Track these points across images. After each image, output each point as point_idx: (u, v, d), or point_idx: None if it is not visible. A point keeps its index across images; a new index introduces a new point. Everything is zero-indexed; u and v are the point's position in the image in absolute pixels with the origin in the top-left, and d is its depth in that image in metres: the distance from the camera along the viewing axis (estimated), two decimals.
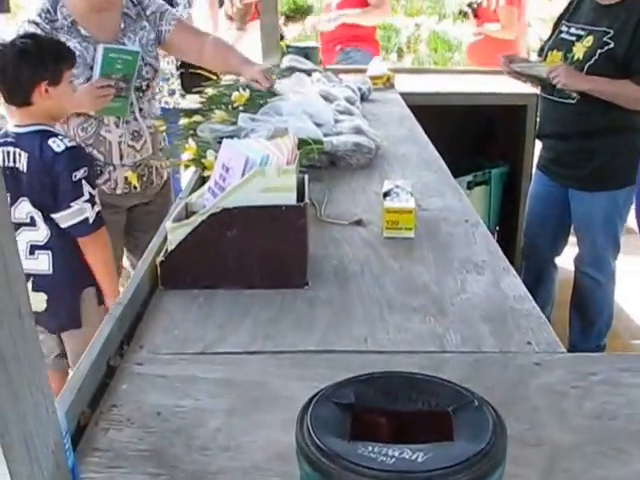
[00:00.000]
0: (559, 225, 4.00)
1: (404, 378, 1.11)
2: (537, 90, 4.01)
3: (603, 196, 3.63)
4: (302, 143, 2.79)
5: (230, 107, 3.23)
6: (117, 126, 3.36)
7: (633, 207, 3.13)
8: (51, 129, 2.87)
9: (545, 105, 3.84)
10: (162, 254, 2.02)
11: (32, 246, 2.86)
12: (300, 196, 2.02)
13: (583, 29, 3.56)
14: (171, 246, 1.99)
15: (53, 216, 2.83)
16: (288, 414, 1.32)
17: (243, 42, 5.24)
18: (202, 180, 2.69)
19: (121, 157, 3.39)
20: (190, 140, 2.79)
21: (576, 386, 1.58)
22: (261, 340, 1.78)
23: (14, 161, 2.82)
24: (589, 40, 3.49)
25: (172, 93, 5.17)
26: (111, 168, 3.39)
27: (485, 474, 0.94)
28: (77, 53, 3.17)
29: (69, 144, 2.81)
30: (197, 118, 3.16)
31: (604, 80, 3.44)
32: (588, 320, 4.02)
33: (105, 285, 2.96)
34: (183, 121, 3.20)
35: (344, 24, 5.79)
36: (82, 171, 2.79)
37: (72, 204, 2.79)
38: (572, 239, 4.06)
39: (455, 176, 4.60)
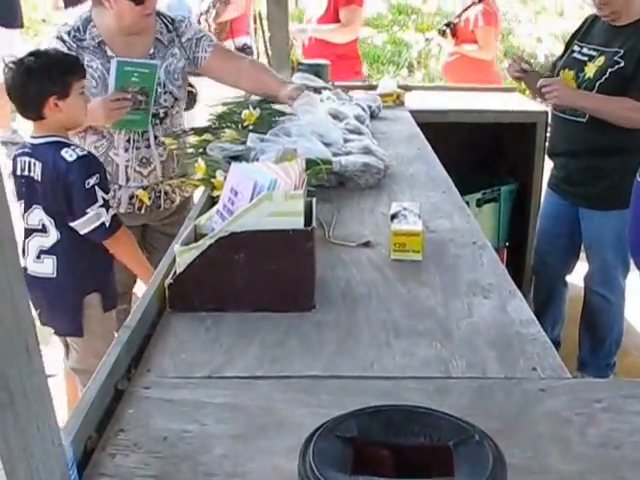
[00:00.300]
0: (570, 243, 4.01)
1: (406, 411, 1.12)
2: (545, 106, 4.03)
3: (613, 215, 3.64)
4: (311, 163, 2.80)
5: (240, 126, 3.24)
6: (126, 150, 3.38)
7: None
8: (64, 140, 2.95)
9: (556, 123, 3.86)
10: (170, 276, 2.03)
11: (40, 251, 2.97)
12: (308, 220, 2.04)
13: (596, 50, 3.59)
14: (179, 269, 2.00)
15: (71, 224, 2.92)
16: (294, 441, 1.33)
17: None
18: (211, 200, 2.70)
19: (127, 180, 3.42)
20: (199, 159, 2.80)
21: (580, 413, 1.59)
22: (268, 364, 1.79)
23: (29, 170, 2.94)
24: (600, 60, 3.52)
25: None
26: (116, 187, 3.42)
27: None
28: (98, 74, 3.25)
29: (81, 153, 2.89)
30: (207, 136, 3.18)
31: (598, 97, 3.48)
32: (598, 338, 4.02)
33: (140, 274, 3.20)
34: (193, 139, 3.23)
35: (322, 40, 5.84)
36: (95, 178, 2.87)
37: (88, 210, 2.87)
38: (583, 256, 4.06)
39: (464, 193, 4.62)
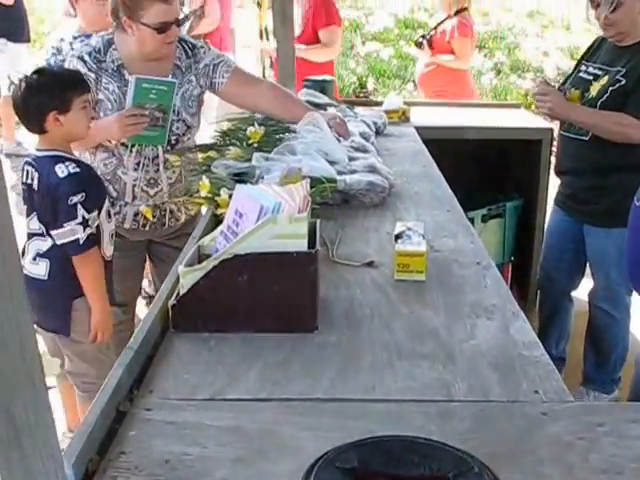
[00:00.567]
0: (575, 260, 4.02)
1: (407, 442, 1.12)
2: (549, 122, 4.05)
3: (617, 232, 3.63)
4: (315, 182, 2.80)
5: (245, 143, 3.25)
6: (135, 170, 3.40)
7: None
8: (63, 154, 3.05)
9: (562, 142, 3.89)
10: (174, 297, 2.03)
11: (37, 253, 3.11)
12: (311, 241, 2.04)
13: (600, 69, 3.62)
14: (183, 290, 2.01)
15: (51, 232, 3.06)
16: (295, 464, 1.34)
17: None
18: (215, 218, 2.70)
19: (133, 198, 3.44)
20: (204, 177, 2.80)
21: (583, 437, 1.58)
22: (270, 387, 1.79)
23: (31, 179, 3.07)
24: (604, 79, 3.55)
25: None
26: (122, 203, 3.44)
27: None
28: (114, 97, 3.29)
29: (72, 170, 2.99)
30: (212, 154, 3.18)
31: (591, 112, 3.52)
32: (603, 354, 4.03)
33: (91, 301, 3.15)
34: (198, 156, 3.23)
35: (299, 59, 5.83)
36: (79, 196, 2.97)
37: (65, 224, 2.98)
38: (588, 272, 4.06)
39: (470, 209, 4.65)
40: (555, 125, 4.25)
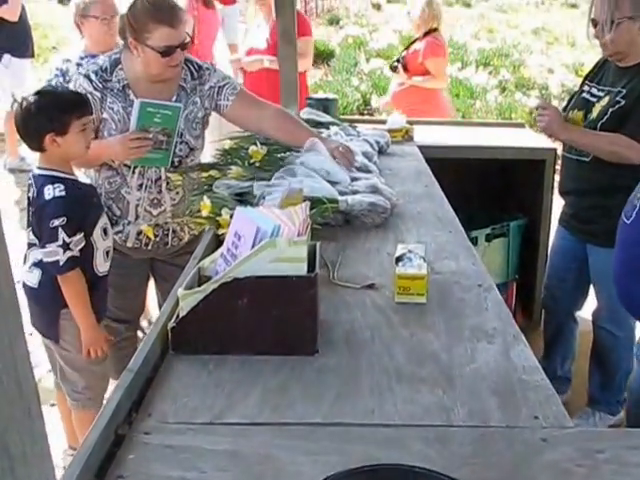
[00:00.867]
0: (579, 279, 4.01)
1: (403, 471, 1.12)
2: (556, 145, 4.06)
3: None
4: (317, 202, 2.81)
5: (247, 162, 3.25)
6: (138, 190, 3.42)
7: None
8: (59, 174, 3.12)
9: (564, 163, 3.91)
10: (173, 320, 2.03)
11: (33, 262, 3.24)
12: (311, 265, 2.04)
13: (602, 90, 3.63)
14: (182, 312, 2.01)
15: (39, 250, 3.16)
16: None
17: None
18: (216, 238, 2.71)
19: (136, 217, 3.45)
20: (205, 197, 2.80)
21: (582, 465, 1.58)
22: (269, 410, 1.79)
23: (30, 194, 3.18)
24: (605, 100, 3.56)
25: None
26: (125, 222, 3.45)
27: None
28: (118, 117, 3.32)
29: (57, 194, 3.06)
30: (213, 173, 3.18)
31: (585, 132, 3.53)
32: (607, 374, 4.02)
33: (77, 318, 3.23)
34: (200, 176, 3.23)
35: (269, 70, 5.90)
36: (60, 220, 3.04)
37: (47, 245, 3.07)
38: (592, 292, 4.06)
39: (474, 228, 4.65)
40: (559, 145, 4.26)
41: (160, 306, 3.21)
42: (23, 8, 7.71)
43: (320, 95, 5.08)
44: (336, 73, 12.63)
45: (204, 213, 2.76)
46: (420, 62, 6.57)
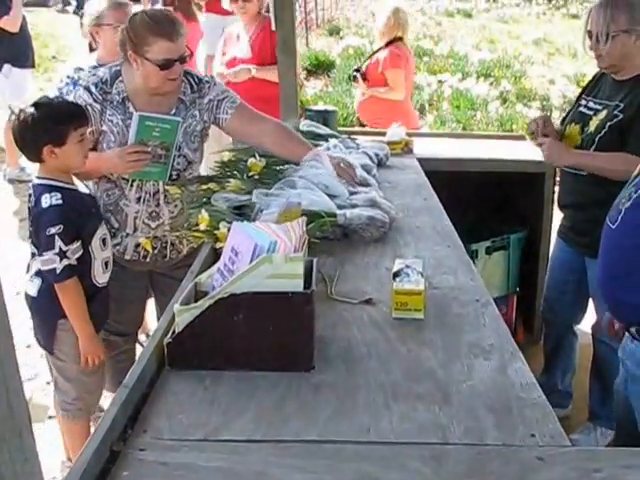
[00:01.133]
0: (578, 292, 4.00)
1: None
2: None
3: None
4: (315, 216, 2.80)
5: (245, 175, 3.25)
6: (137, 202, 3.42)
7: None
8: (57, 184, 3.13)
9: (563, 176, 3.92)
10: (169, 335, 2.03)
11: (35, 272, 3.24)
12: (308, 281, 2.03)
13: (600, 104, 3.62)
14: (179, 328, 2.00)
15: (37, 258, 3.18)
16: None
17: None
18: (214, 252, 2.71)
19: (134, 230, 3.45)
20: (203, 210, 2.80)
21: None
22: (264, 427, 1.78)
23: (30, 203, 3.19)
24: (603, 114, 3.56)
25: None
26: (124, 234, 3.45)
27: None
28: (117, 129, 3.32)
29: (54, 202, 3.08)
30: (212, 185, 3.18)
31: (591, 155, 3.52)
32: (608, 388, 3.98)
33: (74, 327, 3.25)
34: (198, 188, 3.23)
35: (255, 79, 5.83)
36: (57, 228, 3.05)
37: (44, 254, 3.09)
38: (591, 305, 4.05)
39: (473, 241, 4.65)
40: None
41: (159, 319, 3.21)
42: (24, 18, 7.74)
43: (319, 107, 5.07)
44: (336, 84, 12.61)
45: (202, 226, 2.75)
46: (380, 72, 6.52)
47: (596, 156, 3.52)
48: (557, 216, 4.29)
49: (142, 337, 4.38)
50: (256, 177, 3.23)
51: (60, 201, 3.07)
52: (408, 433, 1.77)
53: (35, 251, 3.18)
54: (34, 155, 3.10)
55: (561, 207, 4.01)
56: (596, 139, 3.52)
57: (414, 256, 2.74)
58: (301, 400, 1.90)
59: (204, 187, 3.18)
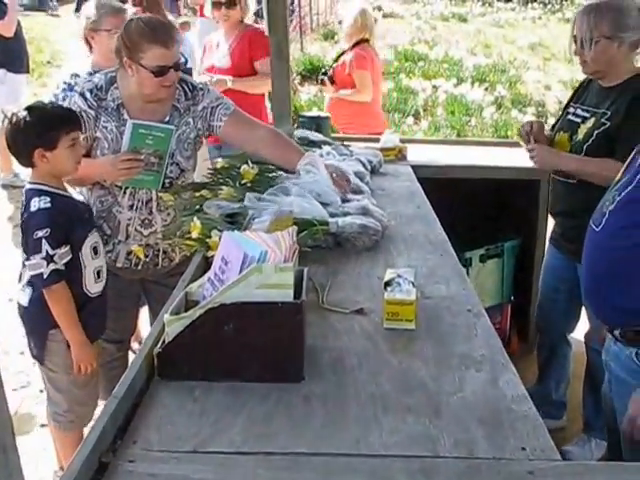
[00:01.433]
0: (570, 299, 3.98)
1: None
2: None
3: None
4: (307, 224, 2.79)
5: (238, 183, 3.24)
6: (130, 210, 3.41)
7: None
8: (46, 188, 3.12)
9: (553, 184, 3.90)
10: (159, 345, 2.02)
11: (27, 280, 3.19)
12: (299, 291, 2.03)
13: (588, 111, 3.62)
14: (168, 338, 2.00)
15: (25, 263, 3.14)
16: None
17: None
18: (206, 260, 2.69)
19: (127, 237, 3.44)
20: (195, 218, 2.79)
21: None
22: (253, 439, 1.77)
23: (22, 208, 3.17)
24: (590, 122, 3.55)
25: None
26: (116, 241, 3.44)
27: None
28: (111, 136, 3.31)
29: (43, 205, 3.05)
30: (204, 192, 3.17)
31: (580, 159, 3.52)
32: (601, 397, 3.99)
33: (65, 334, 3.21)
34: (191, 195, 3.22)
35: (232, 91, 5.59)
36: (44, 231, 3.02)
37: (31, 258, 3.05)
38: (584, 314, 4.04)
39: (467, 249, 4.63)
40: None
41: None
42: (19, 23, 7.73)
43: (312, 113, 5.04)
44: None
45: (194, 234, 2.74)
46: (347, 74, 6.49)
47: (585, 161, 3.52)
48: (552, 224, 4.29)
49: (135, 345, 4.37)
50: (249, 185, 3.21)
51: (49, 204, 3.06)
52: (398, 446, 1.76)
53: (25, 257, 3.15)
54: (25, 159, 3.09)
55: (552, 214, 4.01)
56: (584, 147, 3.52)
57: (406, 265, 2.73)
58: (290, 412, 1.89)
59: (197, 194, 3.17)
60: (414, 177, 4.23)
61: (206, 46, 6.15)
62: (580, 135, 3.58)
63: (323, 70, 6.96)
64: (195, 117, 3.42)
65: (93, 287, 3.25)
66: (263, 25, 5.43)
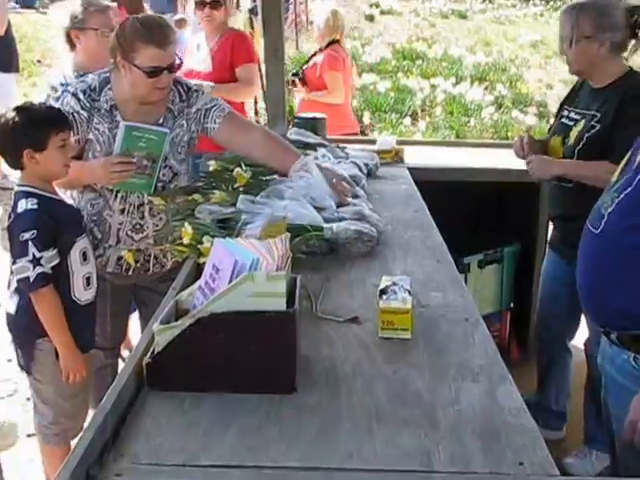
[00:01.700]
0: (569, 305, 3.93)
1: None
2: None
3: None
4: (301, 230, 2.75)
5: (230, 186, 3.20)
6: (121, 214, 3.37)
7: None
8: (33, 190, 3.08)
9: (551, 188, 3.89)
10: (149, 355, 1.98)
11: (15, 288, 3.16)
12: (291, 299, 1.98)
13: (579, 113, 3.61)
14: (158, 347, 1.95)
15: (12, 267, 3.09)
16: None
17: None
18: (197, 267, 2.65)
19: (117, 242, 3.40)
20: (186, 224, 2.74)
21: None
22: (244, 452, 1.73)
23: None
24: (581, 124, 3.54)
25: None
26: (106, 245, 3.40)
27: None
28: (104, 138, 3.28)
29: (29, 207, 3.02)
30: (196, 197, 3.13)
31: (576, 164, 3.51)
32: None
33: (53, 341, 3.14)
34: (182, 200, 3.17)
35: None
36: (30, 233, 2.97)
37: (17, 261, 3.00)
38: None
39: (465, 254, 4.58)
40: None
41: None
42: (9, 22, 7.70)
43: (307, 114, 4.97)
44: None
45: (185, 240, 2.70)
46: (318, 76, 6.49)
47: (580, 165, 3.49)
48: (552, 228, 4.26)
49: (125, 352, 4.31)
50: (241, 189, 3.18)
51: (35, 206, 3.02)
52: (392, 459, 1.71)
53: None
54: (14, 160, 3.06)
55: (551, 218, 3.99)
56: (576, 150, 3.51)
57: (402, 271, 2.69)
58: (282, 424, 1.85)
59: (189, 198, 3.13)
60: (411, 180, 4.20)
61: (186, 48, 5.91)
62: (572, 139, 3.58)
63: (294, 70, 6.93)
64: (189, 119, 3.38)
65: (83, 294, 3.20)
66: (258, 22, 5.36)
